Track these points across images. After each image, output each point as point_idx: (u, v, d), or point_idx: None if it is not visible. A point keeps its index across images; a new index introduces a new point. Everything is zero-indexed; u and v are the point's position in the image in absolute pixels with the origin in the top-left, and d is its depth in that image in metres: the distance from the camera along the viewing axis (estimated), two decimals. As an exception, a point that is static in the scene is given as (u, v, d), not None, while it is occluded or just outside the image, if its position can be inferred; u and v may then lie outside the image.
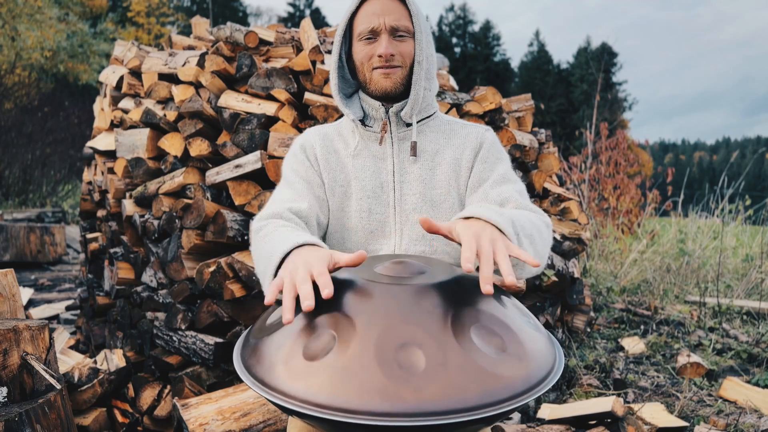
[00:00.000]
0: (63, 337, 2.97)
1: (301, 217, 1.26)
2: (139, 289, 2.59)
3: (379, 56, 1.27)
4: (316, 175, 1.36)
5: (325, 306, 0.91)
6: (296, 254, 0.99)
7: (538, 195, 3.22)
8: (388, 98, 1.34)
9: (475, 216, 1.03)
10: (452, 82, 3.35)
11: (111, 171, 2.89)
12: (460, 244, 0.97)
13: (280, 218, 1.22)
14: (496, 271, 0.94)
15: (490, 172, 1.35)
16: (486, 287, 0.86)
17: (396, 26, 1.27)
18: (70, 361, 2.30)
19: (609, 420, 2.05)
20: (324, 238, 1.41)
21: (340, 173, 1.38)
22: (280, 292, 0.90)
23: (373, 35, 1.28)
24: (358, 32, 1.30)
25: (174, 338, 2.33)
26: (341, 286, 0.96)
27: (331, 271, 0.94)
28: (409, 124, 1.36)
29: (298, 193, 1.31)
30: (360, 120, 1.37)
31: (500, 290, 1.04)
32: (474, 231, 0.96)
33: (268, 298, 0.88)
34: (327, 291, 0.86)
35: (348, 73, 1.41)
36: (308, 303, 0.84)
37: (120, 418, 2.18)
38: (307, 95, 2.52)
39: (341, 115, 1.49)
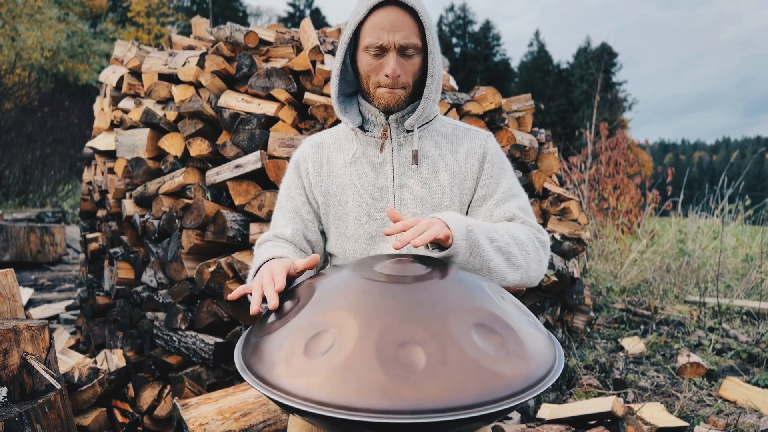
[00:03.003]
0: (63, 337, 2.97)
1: (288, 241, 1.39)
2: (139, 289, 2.59)
3: (386, 75, 1.25)
4: (304, 195, 1.42)
5: (325, 304, 0.92)
6: (264, 266, 1.15)
7: (538, 195, 3.22)
8: (389, 110, 1.33)
9: (439, 216, 1.16)
10: (452, 82, 3.35)
11: (111, 171, 2.89)
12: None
13: (271, 242, 1.39)
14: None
15: (495, 188, 1.37)
16: (395, 243, 1.03)
17: (405, 45, 1.23)
18: (70, 361, 2.30)
19: (609, 420, 2.05)
20: (325, 249, 1.47)
21: (332, 183, 1.39)
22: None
23: (381, 51, 1.24)
24: (365, 44, 1.26)
25: (174, 338, 2.33)
26: (342, 284, 0.96)
27: (292, 275, 1.11)
28: (409, 130, 1.36)
29: (285, 220, 1.42)
30: (359, 126, 1.37)
31: (500, 290, 1.04)
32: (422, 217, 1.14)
33: (231, 295, 1.08)
34: (272, 302, 1.01)
35: (350, 74, 1.39)
36: (273, 303, 1.00)
37: (120, 418, 2.18)
38: (307, 95, 2.52)
39: None
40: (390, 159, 1.35)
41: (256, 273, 1.22)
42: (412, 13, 1.23)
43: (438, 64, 1.30)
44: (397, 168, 1.35)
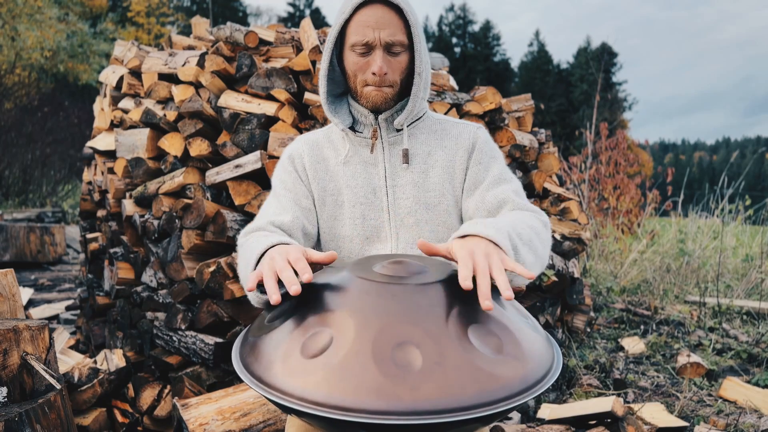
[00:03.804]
0: (63, 337, 2.97)
1: (284, 230, 1.27)
2: (139, 289, 2.59)
3: (373, 73, 1.24)
4: (303, 186, 1.36)
5: (322, 304, 0.92)
6: (272, 250, 1.03)
7: (538, 195, 3.22)
8: (378, 109, 1.32)
9: (471, 233, 1.02)
10: (452, 82, 3.35)
11: (111, 171, 2.89)
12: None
13: (264, 231, 1.24)
14: (495, 287, 0.94)
15: (485, 174, 1.34)
16: (485, 303, 0.86)
17: (391, 42, 1.22)
18: (70, 361, 2.30)
19: (609, 420, 2.05)
20: (316, 248, 1.42)
21: (329, 182, 1.37)
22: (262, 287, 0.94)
23: (367, 49, 1.23)
24: (350, 42, 1.25)
25: (174, 338, 2.33)
26: (340, 284, 0.96)
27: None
28: (399, 129, 1.35)
29: (282, 206, 1.32)
30: (350, 127, 1.36)
31: (498, 290, 1.04)
32: (469, 248, 0.96)
33: (248, 285, 0.93)
34: (306, 275, 0.91)
35: (338, 74, 1.38)
36: (294, 288, 0.89)
37: (120, 418, 2.18)
38: (307, 95, 2.52)
39: None
40: (381, 159, 1.35)
41: (257, 262, 1.07)
42: (398, 10, 1.22)
43: (425, 62, 1.28)
44: (389, 168, 1.34)
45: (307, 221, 1.34)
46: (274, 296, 0.89)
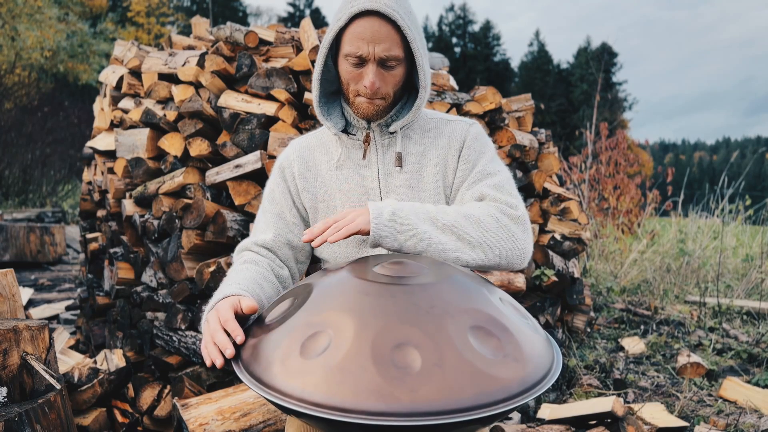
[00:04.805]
0: (63, 337, 2.97)
1: (267, 248, 1.35)
2: (139, 289, 2.59)
3: (364, 86, 1.22)
4: (289, 199, 1.39)
5: (322, 305, 0.91)
6: (212, 312, 1.08)
7: (538, 195, 3.22)
8: (368, 119, 1.32)
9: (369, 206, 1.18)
10: (452, 82, 3.35)
11: (111, 171, 2.89)
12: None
13: (250, 251, 1.35)
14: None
15: (470, 172, 1.33)
16: (305, 236, 1.15)
17: (385, 57, 1.19)
18: (70, 361, 2.30)
19: (609, 420, 2.05)
20: (314, 253, 1.44)
21: (320, 188, 1.36)
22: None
23: (360, 61, 1.21)
24: (345, 52, 1.22)
25: (174, 338, 2.33)
26: (339, 285, 0.96)
27: (238, 313, 1.04)
28: (393, 132, 1.34)
29: (266, 223, 1.38)
30: (343, 130, 1.35)
31: (499, 292, 1.04)
32: (344, 212, 1.17)
33: (207, 363, 0.98)
34: (239, 338, 0.96)
35: (333, 75, 1.36)
36: (228, 351, 0.95)
37: (120, 418, 2.18)
38: (307, 95, 2.52)
39: None
40: (375, 161, 1.34)
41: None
42: (395, 24, 1.19)
43: (428, 73, 1.27)
44: (382, 169, 1.33)
45: (292, 235, 1.37)
46: (218, 360, 0.95)
